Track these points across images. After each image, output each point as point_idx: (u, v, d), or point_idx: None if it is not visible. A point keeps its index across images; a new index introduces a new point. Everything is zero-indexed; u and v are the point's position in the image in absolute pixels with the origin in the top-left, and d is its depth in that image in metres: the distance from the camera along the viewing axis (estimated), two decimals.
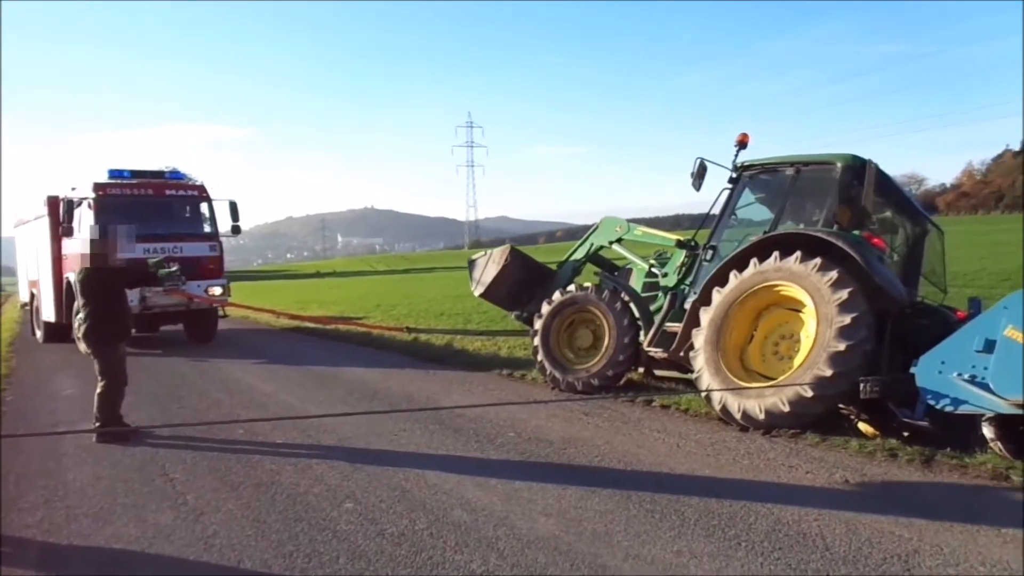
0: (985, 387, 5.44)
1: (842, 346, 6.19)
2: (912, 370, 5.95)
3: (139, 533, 4.72)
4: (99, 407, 7.20)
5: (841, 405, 6.83)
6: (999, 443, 5.55)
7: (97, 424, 7.14)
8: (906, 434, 6.63)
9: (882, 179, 7.49)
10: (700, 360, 7.23)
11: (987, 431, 5.63)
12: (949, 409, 5.66)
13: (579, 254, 10.20)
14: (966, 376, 5.59)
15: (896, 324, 6.70)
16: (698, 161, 8.24)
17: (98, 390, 7.24)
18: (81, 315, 7.28)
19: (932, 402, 5.77)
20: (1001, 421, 5.56)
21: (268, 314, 22.69)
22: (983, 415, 5.60)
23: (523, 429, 7.01)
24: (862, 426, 6.98)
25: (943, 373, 5.74)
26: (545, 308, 9.21)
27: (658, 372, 8.93)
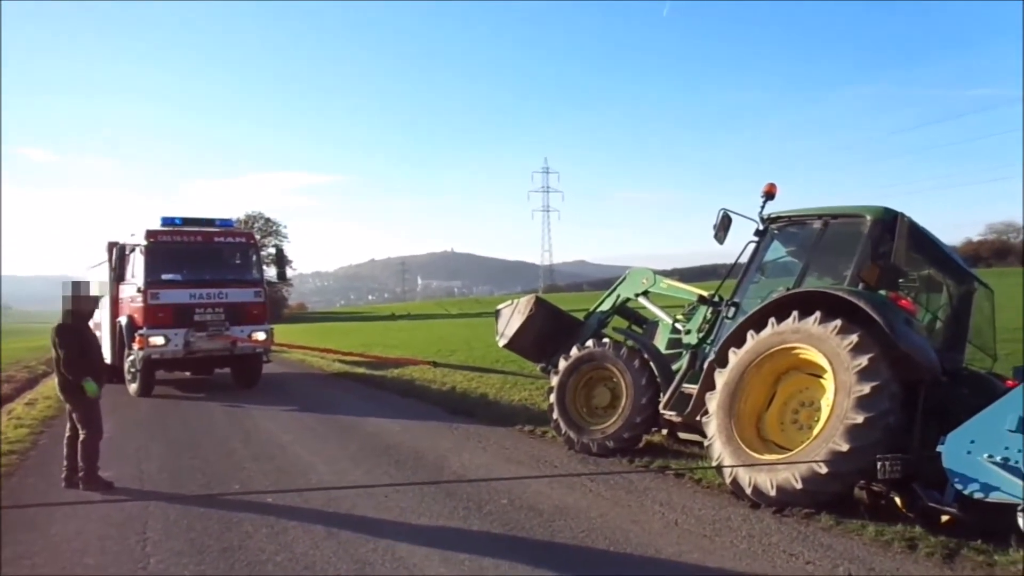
0: (1018, 472, 4.77)
1: (860, 418, 5.59)
2: (939, 448, 5.30)
3: None
4: (83, 456, 7.21)
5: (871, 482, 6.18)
6: None
7: (81, 473, 7.18)
8: (944, 518, 5.91)
9: (917, 234, 6.89)
10: (712, 426, 6.71)
11: (1023, 522, 4.90)
12: (979, 496, 4.99)
13: (605, 306, 9.79)
14: (998, 459, 4.93)
15: (932, 394, 6.05)
16: (721, 212, 7.80)
17: (80, 439, 7.26)
18: (57, 367, 7.33)
19: (960, 487, 5.11)
20: None
21: (319, 358, 23.05)
22: (1018, 504, 4.89)
23: (519, 495, 6.61)
24: (898, 500, 6.29)
25: (972, 454, 5.09)
26: (562, 364, 8.82)
27: (682, 435, 8.35)
